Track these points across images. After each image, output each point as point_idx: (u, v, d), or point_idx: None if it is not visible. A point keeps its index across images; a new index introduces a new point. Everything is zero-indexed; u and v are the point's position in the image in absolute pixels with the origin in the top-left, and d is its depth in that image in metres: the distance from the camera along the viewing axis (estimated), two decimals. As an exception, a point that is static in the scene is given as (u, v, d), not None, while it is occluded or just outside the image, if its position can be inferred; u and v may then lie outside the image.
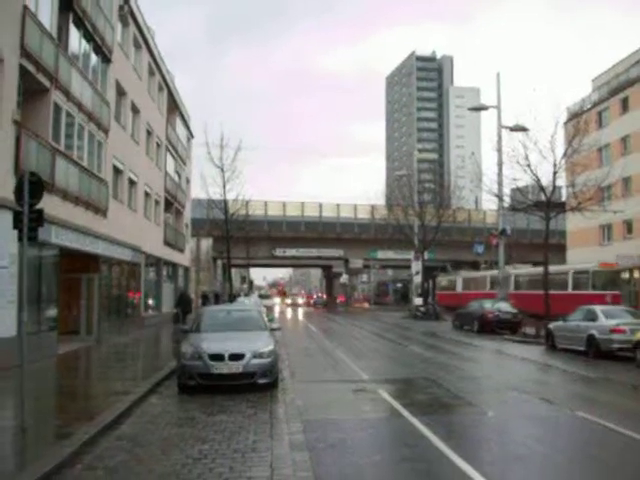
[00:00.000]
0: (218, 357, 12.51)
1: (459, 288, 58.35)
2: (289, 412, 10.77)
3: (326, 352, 22.22)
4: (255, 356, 12.71)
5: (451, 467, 7.68)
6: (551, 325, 23.83)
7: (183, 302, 28.65)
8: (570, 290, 37.75)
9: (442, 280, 65.09)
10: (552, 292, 34.36)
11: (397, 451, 8.64)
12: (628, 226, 45.04)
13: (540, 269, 41.94)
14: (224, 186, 38.11)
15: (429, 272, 63.00)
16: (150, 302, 34.95)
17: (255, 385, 12.64)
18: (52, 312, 19.14)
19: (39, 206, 9.55)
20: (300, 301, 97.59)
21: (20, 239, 9.37)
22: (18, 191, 9.39)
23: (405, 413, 10.87)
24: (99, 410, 10.65)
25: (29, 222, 9.28)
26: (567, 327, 22.17)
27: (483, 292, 48.26)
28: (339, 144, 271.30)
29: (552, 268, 39.90)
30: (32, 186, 9.38)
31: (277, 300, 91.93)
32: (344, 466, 7.82)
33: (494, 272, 49.21)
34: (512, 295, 39.97)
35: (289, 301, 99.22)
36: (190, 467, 7.49)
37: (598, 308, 21.91)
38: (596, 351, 19.87)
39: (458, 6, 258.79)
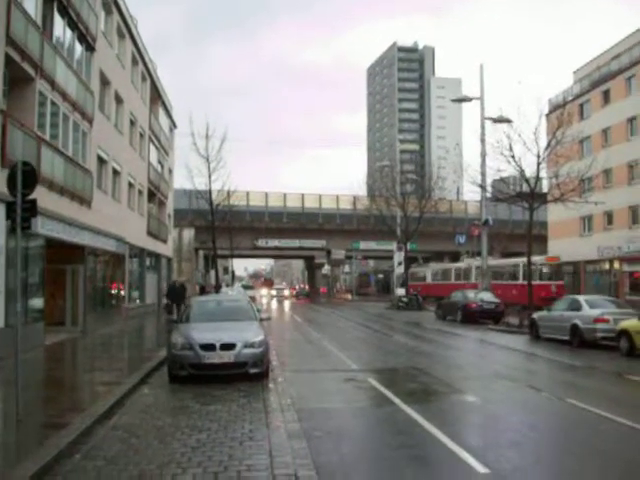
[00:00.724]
0: (209, 347, 12.51)
1: (428, 279, 61.83)
2: (282, 401, 10.80)
3: (314, 342, 22.31)
4: (246, 346, 12.72)
5: (448, 453, 7.79)
6: (535, 315, 24.09)
7: (174, 292, 28.75)
8: (521, 280, 40.28)
9: (414, 271, 66.28)
10: (507, 282, 42.77)
11: (393, 438, 8.73)
12: (608, 217, 45.50)
13: (498, 261, 49.14)
14: (209, 176, 37.95)
15: (411, 263, 63.60)
16: (134, 293, 34.83)
17: (246, 375, 12.66)
18: (38, 303, 19.04)
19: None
20: (286, 293, 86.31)
21: (13, 230, 9.30)
22: (11, 181, 9.31)
23: (397, 401, 10.96)
24: (92, 400, 10.67)
25: (22, 212, 9.23)
26: (551, 317, 22.41)
27: (449, 283, 53.37)
28: (321, 136, 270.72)
29: (507, 261, 48.17)
30: (25, 176, 9.31)
31: (264, 292, 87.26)
32: (343, 454, 7.90)
33: (458, 264, 56.56)
34: (473, 285, 44.03)
35: (274, 292, 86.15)
36: (189, 455, 7.51)
37: (582, 298, 22.18)
38: (580, 340, 20.10)
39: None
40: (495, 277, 44.59)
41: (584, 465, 7.68)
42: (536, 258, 41.52)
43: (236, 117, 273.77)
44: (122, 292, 30.79)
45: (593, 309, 20.40)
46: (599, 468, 7.58)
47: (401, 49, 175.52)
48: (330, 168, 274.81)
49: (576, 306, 21.16)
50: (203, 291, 44.41)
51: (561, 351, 19.42)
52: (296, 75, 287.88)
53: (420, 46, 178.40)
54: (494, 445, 8.48)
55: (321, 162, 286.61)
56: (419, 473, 7.35)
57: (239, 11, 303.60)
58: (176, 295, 28.38)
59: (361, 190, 62.93)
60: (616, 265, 44.89)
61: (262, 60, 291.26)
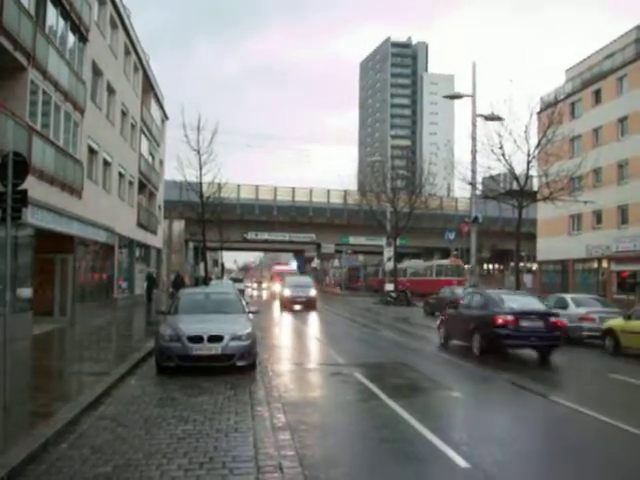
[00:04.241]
0: (197, 339, 12.58)
1: (380, 275, 67.12)
2: (268, 394, 10.92)
3: (301, 336, 22.42)
4: (234, 338, 12.80)
5: (430, 448, 7.90)
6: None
7: (177, 283, 29.26)
8: (434, 277, 54.67)
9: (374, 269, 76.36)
10: (424, 278, 55.91)
11: (377, 432, 8.82)
12: (597, 216, 45.73)
13: (425, 263, 63.77)
14: (200, 169, 37.90)
15: (400, 258, 63.88)
16: (123, 284, 34.81)
17: (234, 367, 12.75)
18: (27, 292, 19.01)
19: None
20: (312, 293, 39.69)
21: (3, 220, 9.32)
22: (1, 171, 9.33)
23: (382, 396, 11.05)
24: (79, 390, 10.76)
25: (13, 202, 9.26)
26: (537, 314, 22.50)
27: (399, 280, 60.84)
28: (312, 132, 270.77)
29: (425, 263, 62.52)
30: (16, 166, 9.34)
31: (279, 288, 48.64)
32: (327, 447, 8.01)
33: (400, 265, 64.00)
34: (406, 280, 57.17)
35: (288, 292, 39.85)
36: (175, 446, 7.59)
37: (568, 296, 22.35)
38: (566, 338, 20.22)
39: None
40: (419, 275, 60.08)
41: (563, 460, 7.81)
42: (444, 261, 56.63)
43: (228, 112, 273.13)
44: (110, 282, 30.79)
45: (579, 308, 20.58)
46: (577, 463, 7.70)
47: (394, 44, 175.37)
48: (321, 163, 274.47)
49: (562, 304, 21.30)
50: (197, 283, 44.58)
51: (546, 349, 19.51)
52: (287, 73, 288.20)
53: (413, 42, 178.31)
54: (475, 440, 8.57)
55: (312, 157, 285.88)
56: (401, 467, 7.43)
57: (229, 12, 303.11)
58: (179, 285, 28.83)
59: (352, 185, 63.06)
60: (604, 264, 45.17)
61: (252, 58, 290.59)
